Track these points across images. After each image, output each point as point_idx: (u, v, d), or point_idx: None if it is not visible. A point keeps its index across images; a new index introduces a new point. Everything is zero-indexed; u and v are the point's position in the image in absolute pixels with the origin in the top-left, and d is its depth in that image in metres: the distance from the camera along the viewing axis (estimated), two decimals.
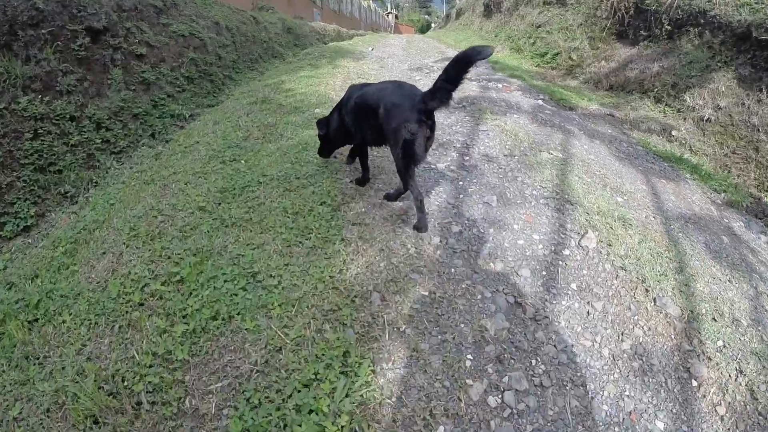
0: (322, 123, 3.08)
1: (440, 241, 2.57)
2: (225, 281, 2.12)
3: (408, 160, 2.39)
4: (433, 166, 3.62)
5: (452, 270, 2.37)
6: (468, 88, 6.43)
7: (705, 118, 6.42)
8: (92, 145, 4.26)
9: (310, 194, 2.94)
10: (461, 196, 3.10)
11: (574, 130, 5.23)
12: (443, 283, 2.26)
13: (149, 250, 2.47)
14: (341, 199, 2.89)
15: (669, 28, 7.09)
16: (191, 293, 2.09)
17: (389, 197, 2.90)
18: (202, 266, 2.25)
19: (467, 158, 3.79)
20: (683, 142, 6.33)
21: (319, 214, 2.68)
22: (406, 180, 2.53)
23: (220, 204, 2.88)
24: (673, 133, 6.40)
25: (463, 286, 2.28)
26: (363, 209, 2.80)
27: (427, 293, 2.17)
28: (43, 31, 4.22)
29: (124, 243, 2.58)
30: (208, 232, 2.56)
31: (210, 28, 7.14)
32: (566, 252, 2.73)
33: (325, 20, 18.32)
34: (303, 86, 6.30)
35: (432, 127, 2.41)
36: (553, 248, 2.72)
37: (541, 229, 2.86)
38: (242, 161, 3.59)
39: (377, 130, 2.52)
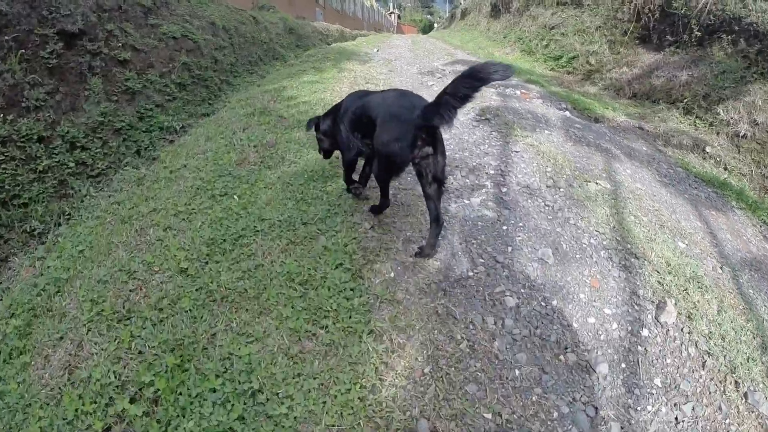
0: (314, 123, 2.83)
1: (495, 324, 1.96)
2: (214, 405, 1.51)
3: (388, 173, 2.19)
4: (466, 201, 3.00)
5: (516, 372, 1.76)
6: (487, 95, 5.79)
7: (740, 134, 5.82)
8: (65, 170, 3.59)
9: (321, 250, 2.31)
10: (509, 249, 2.48)
11: (612, 149, 4.62)
12: (509, 397, 1.65)
13: (115, 340, 1.83)
14: (362, 258, 2.26)
15: (699, 34, 6.45)
16: (168, 424, 1.47)
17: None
18: (183, 375, 1.62)
19: (505, 190, 3.17)
20: (718, 159, 5.73)
21: (335, 285, 2.05)
22: (384, 191, 2.42)
23: (206, 264, 2.24)
24: (707, 149, 5.80)
25: (534, 398, 1.68)
26: (391, 273, 2.18)
27: (491, 416, 1.57)
28: (6, 37, 3.53)
29: (85, 325, 1.95)
30: (190, 311, 1.93)
31: (205, 29, 6.42)
32: (644, 333, 2.12)
33: (328, 20, 17.47)
34: (306, 93, 5.63)
35: (436, 144, 2.07)
36: (629, 328, 2.12)
37: (612, 299, 2.26)
38: (235, 196, 2.94)
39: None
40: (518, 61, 10.53)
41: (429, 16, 45.87)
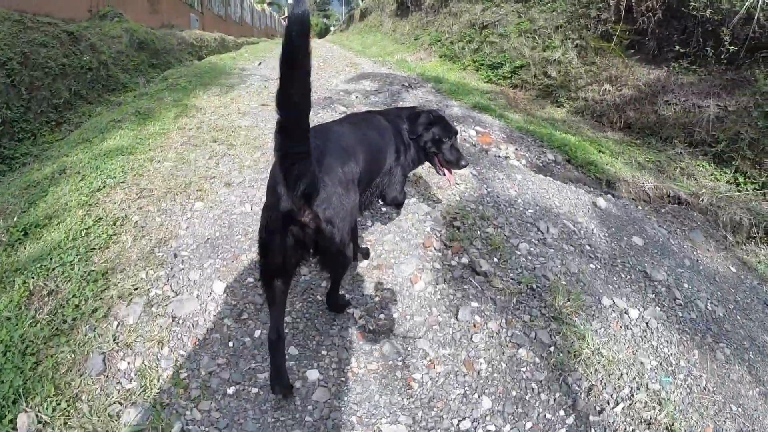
0: None
1: None
2: None
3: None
4: None
5: None
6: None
7: None
8: None
9: None
10: None
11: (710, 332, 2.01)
12: None
13: None
14: None
15: (733, 48, 4.11)
16: None
17: None
18: None
19: None
20: None
21: None
22: None
23: None
24: None
25: None
26: None
27: None
28: None
29: None
30: None
31: None
32: None
33: (208, 27, 12.98)
34: (66, 203, 2.23)
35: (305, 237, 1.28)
36: None
37: None
38: None
39: None
40: (438, 69, 7.78)
41: (325, 20, 41.56)
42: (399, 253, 2.11)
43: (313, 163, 1.13)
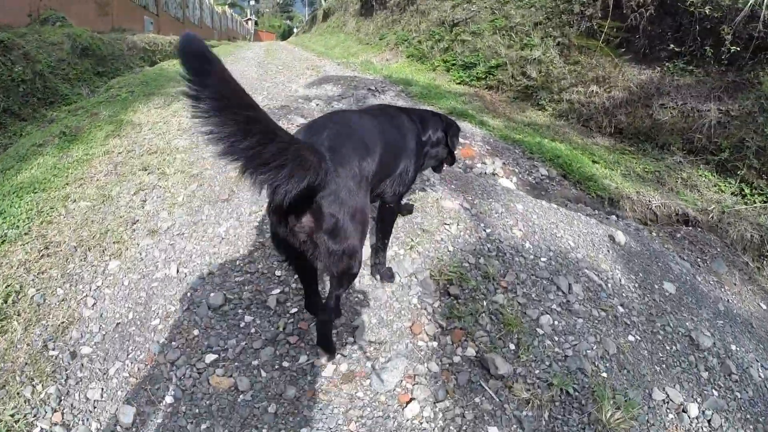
0: None
1: None
2: None
3: None
4: None
5: None
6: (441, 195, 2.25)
7: None
8: None
9: None
10: None
11: None
12: None
13: None
14: None
15: (735, 49, 3.71)
16: None
17: None
18: None
19: None
20: None
21: None
22: None
23: None
24: None
25: None
26: None
27: None
28: None
29: None
30: None
31: None
32: None
33: (163, 31, 11.65)
34: None
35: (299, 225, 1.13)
36: None
37: None
38: None
39: None
40: (406, 70, 7.18)
41: (288, 21, 40.00)
42: (378, 349, 1.48)
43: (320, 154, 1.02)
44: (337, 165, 1.08)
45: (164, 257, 1.96)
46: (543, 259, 1.98)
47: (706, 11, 3.79)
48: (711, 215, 3.26)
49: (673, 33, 4.10)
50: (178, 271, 1.87)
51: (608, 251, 2.24)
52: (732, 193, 3.61)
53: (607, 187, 3.34)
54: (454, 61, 6.94)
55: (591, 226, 2.44)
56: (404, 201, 2.13)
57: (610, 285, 1.97)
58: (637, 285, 2.06)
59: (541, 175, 3.44)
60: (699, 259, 2.74)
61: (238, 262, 1.89)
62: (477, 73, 6.38)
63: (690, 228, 3.09)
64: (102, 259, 1.94)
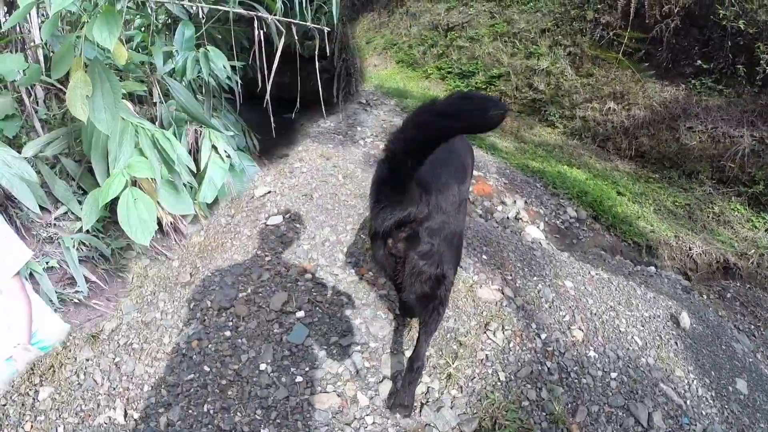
0: None
1: None
2: None
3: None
4: None
5: None
6: None
7: None
8: None
9: None
10: None
11: None
12: None
13: None
14: None
15: None
16: None
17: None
18: None
19: None
20: None
21: None
22: None
23: None
24: None
25: None
26: None
27: None
28: None
29: None
30: None
31: None
32: None
33: None
34: None
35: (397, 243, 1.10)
36: None
37: None
38: None
39: None
40: (397, 77, 6.65)
41: None
42: None
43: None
44: (437, 193, 1.06)
45: None
46: (613, 374, 1.58)
47: (740, 26, 3.41)
48: (751, 260, 2.95)
49: (700, 47, 3.72)
50: None
51: (676, 343, 1.86)
52: (766, 230, 3.32)
53: (642, 231, 2.97)
54: (449, 69, 6.43)
55: (650, 305, 2.05)
56: None
57: (689, 402, 1.60)
58: (714, 393, 1.69)
59: (570, 218, 3.05)
60: (753, 326, 2.42)
61: None
62: (476, 82, 5.89)
63: (733, 281, 2.77)
64: None
